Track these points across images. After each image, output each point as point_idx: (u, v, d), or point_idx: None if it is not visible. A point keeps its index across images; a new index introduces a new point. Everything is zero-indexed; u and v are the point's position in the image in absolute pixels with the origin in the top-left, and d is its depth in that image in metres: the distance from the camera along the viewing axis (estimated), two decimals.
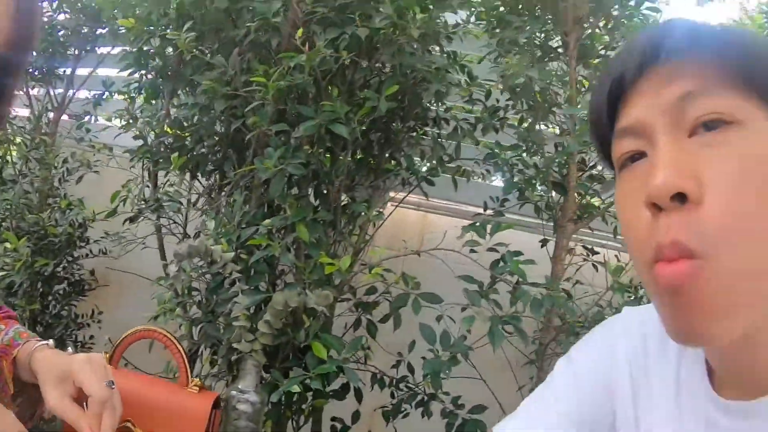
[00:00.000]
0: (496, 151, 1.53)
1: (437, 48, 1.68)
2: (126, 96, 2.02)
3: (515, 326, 1.25)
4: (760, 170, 0.56)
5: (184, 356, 1.06)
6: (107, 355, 1.08)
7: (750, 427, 0.63)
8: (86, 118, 2.58)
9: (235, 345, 1.15)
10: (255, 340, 1.13)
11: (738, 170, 0.56)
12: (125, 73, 1.93)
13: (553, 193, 1.56)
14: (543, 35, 1.62)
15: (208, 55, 1.60)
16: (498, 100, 1.74)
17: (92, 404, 0.82)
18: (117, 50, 2.46)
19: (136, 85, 1.95)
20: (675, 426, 0.72)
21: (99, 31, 2.57)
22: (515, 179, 1.51)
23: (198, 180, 1.86)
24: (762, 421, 0.62)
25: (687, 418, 0.70)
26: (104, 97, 2.53)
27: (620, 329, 0.83)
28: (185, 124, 1.75)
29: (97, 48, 2.66)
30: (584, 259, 1.71)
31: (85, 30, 2.55)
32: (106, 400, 0.83)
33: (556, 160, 1.49)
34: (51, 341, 0.89)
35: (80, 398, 0.84)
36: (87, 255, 2.56)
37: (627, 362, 0.80)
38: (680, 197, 0.55)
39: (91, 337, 2.54)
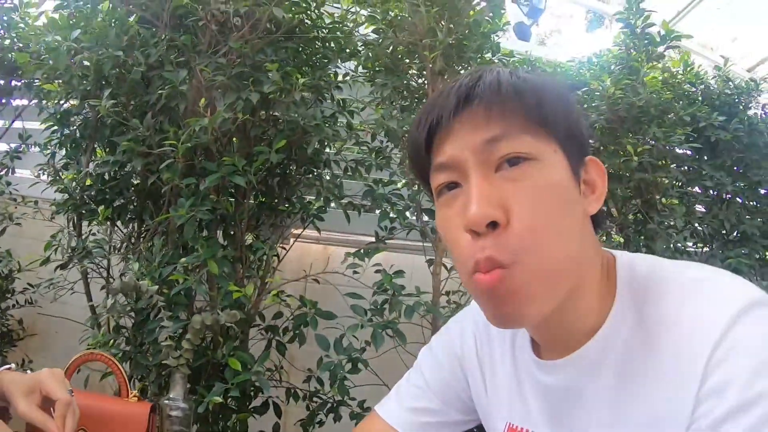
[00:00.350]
0: (373, 187, 1.81)
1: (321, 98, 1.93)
2: (46, 151, 2.15)
3: (393, 329, 1.53)
4: (551, 195, 0.70)
5: (124, 373, 1.27)
6: None
7: (559, 378, 0.78)
8: (2, 171, 2.56)
9: (164, 361, 1.36)
10: (180, 356, 1.35)
11: (534, 197, 0.68)
12: (39, 124, 2.06)
13: (426, 218, 1.84)
14: (411, 86, 1.91)
15: (125, 116, 1.79)
16: (382, 141, 1.98)
17: (58, 407, 0.96)
18: (33, 103, 2.41)
19: (56, 141, 2.10)
20: (513, 382, 0.88)
21: (14, 83, 2.52)
22: (394, 209, 1.78)
23: (118, 227, 2.04)
24: (565, 373, 0.77)
25: (520, 375, 0.86)
26: (21, 149, 2.53)
27: (469, 317, 0.99)
28: (106, 178, 1.93)
29: (12, 100, 2.62)
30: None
31: (1, 83, 2.53)
32: (70, 402, 0.98)
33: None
34: (13, 365, 1.05)
35: (45, 408, 0.99)
36: (14, 305, 2.64)
37: (473, 340, 0.97)
38: (492, 224, 0.67)
39: None
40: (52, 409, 0.98)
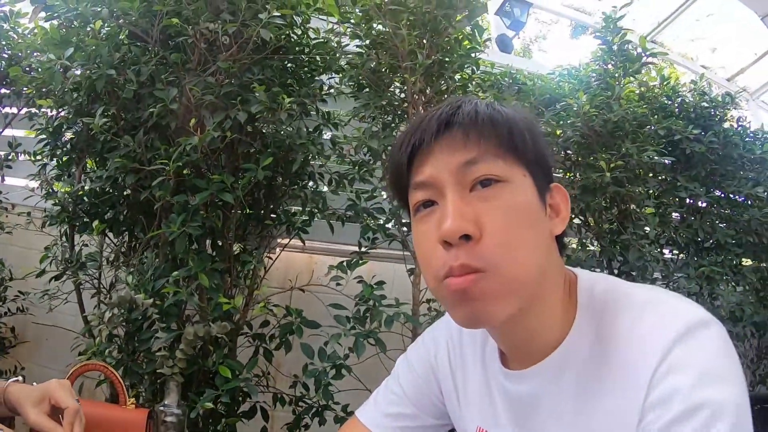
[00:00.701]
0: (355, 201, 1.89)
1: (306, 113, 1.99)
2: (36, 161, 2.18)
3: (374, 338, 1.60)
4: (520, 214, 0.76)
5: (122, 382, 1.33)
6: None
7: (524, 387, 0.84)
8: None
9: (159, 370, 1.43)
10: (174, 365, 1.42)
11: (505, 215, 0.75)
12: (27, 133, 2.10)
13: (405, 229, 1.92)
14: (393, 102, 1.99)
15: (117, 132, 1.84)
16: (365, 154, 2.05)
17: (67, 415, 1.04)
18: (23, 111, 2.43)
19: (48, 152, 2.13)
20: (483, 388, 0.93)
21: (3, 90, 2.54)
22: (375, 223, 1.86)
23: (110, 240, 2.09)
24: (529, 382, 0.83)
25: (490, 383, 0.92)
26: (10, 157, 2.49)
27: (443, 327, 1.06)
28: (98, 191, 1.99)
29: (1, 108, 2.62)
30: None
31: None
32: (78, 410, 1.05)
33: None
34: (21, 377, 1.12)
35: (53, 417, 1.06)
36: (6, 313, 2.68)
37: (446, 349, 1.03)
38: (466, 237, 0.73)
39: None
40: (60, 416, 1.05)
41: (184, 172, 1.68)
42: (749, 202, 3.13)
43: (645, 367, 0.71)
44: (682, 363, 0.69)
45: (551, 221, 0.82)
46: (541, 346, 0.82)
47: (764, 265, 3.16)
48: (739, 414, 0.66)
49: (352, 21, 2.02)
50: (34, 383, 1.12)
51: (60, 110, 2.05)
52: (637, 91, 2.85)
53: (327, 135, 2.15)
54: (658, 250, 2.68)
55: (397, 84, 2.09)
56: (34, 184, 2.23)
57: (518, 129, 0.80)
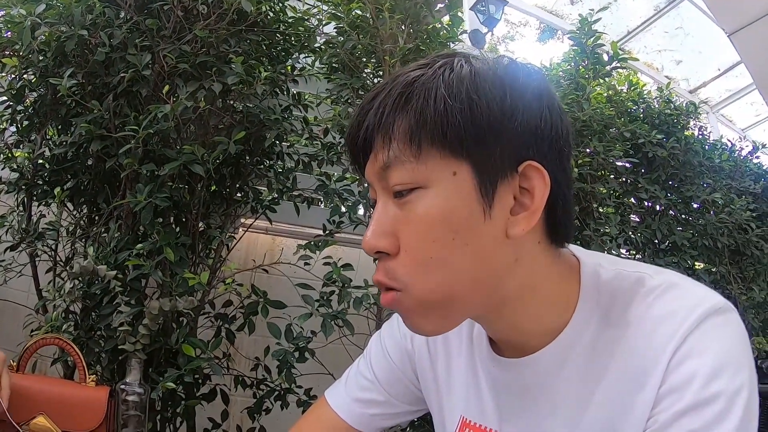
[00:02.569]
0: (325, 182, 1.87)
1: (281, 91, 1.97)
2: None
3: (342, 320, 1.59)
4: (436, 226, 0.67)
5: (82, 357, 1.29)
6: (14, 363, 1.27)
7: (517, 376, 0.79)
8: None
9: (121, 347, 1.38)
10: (137, 341, 1.38)
11: (418, 230, 0.68)
12: None
13: None
14: (366, 85, 1.98)
15: (84, 97, 1.77)
16: (334, 137, 2.03)
17: None
18: None
19: (8, 116, 2.03)
20: (469, 375, 0.89)
21: None
22: (344, 205, 1.85)
23: (68, 210, 2.02)
24: (525, 371, 0.78)
25: (477, 370, 0.88)
26: None
27: None
28: (60, 158, 1.91)
29: None
30: None
31: None
32: (5, 359, 1.07)
33: None
34: None
35: None
36: None
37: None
38: (384, 252, 0.69)
39: None
40: None
41: (153, 142, 1.63)
42: (705, 208, 3.25)
43: (661, 353, 0.68)
44: (699, 349, 0.66)
45: (511, 218, 0.69)
46: (531, 336, 0.77)
47: (716, 270, 3.28)
48: (751, 400, 0.65)
49: (332, 2, 2.00)
50: None
51: (24, 72, 1.96)
52: (605, 94, 2.91)
53: (294, 116, 2.12)
54: (617, 248, 2.74)
55: (371, 69, 2.08)
56: None
57: (437, 114, 0.66)
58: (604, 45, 2.64)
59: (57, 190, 1.74)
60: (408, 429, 1.96)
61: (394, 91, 0.68)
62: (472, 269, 0.69)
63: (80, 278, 1.54)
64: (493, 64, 0.71)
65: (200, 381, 1.74)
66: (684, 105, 3.37)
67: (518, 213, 0.69)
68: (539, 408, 0.78)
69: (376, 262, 0.72)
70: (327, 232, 1.88)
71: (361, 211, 1.94)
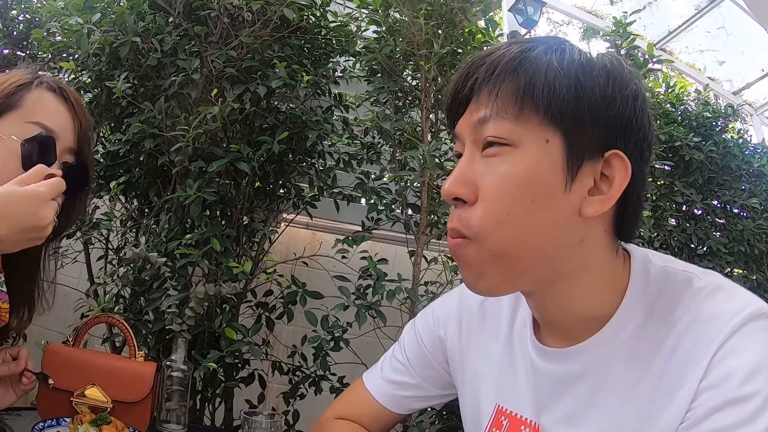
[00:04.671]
0: (364, 180, 1.96)
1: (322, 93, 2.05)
2: None
3: (376, 310, 1.67)
4: (516, 186, 0.71)
5: (132, 335, 1.40)
6: (71, 339, 1.40)
7: (560, 366, 0.81)
8: None
9: (168, 327, 1.50)
10: (183, 323, 1.49)
11: (500, 184, 0.71)
12: None
13: (411, 212, 1.98)
14: (404, 87, 2.05)
15: (137, 99, 1.90)
16: (374, 137, 2.10)
17: (22, 354, 1.19)
18: None
19: None
20: (506, 362, 0.91)
21: (18, 53, 2.53)
22: (381, 202, 1.93)
23: (121, 203, 2.15)
24: (568, 362, 0.80)
25: (515, 357, 0.90)
26: None
27: (455, 300, 1.05)
28: (114, 154, 2.04)
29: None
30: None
31: (6, 52, 2.52)
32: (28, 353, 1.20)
33: (413, 186, 1.93)
34: None
35: None
36: None
37: (458, 323, 1.02)
38: (461, 199, 0.74)
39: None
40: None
41: (201, 140, 1.73)
42: (743, 213, 3.20)
43: (704, 350, 0.70)
44: (740, 349, 0.68)
45: (587, 198, 0.73)
46: (580, 321, 0.79)
47: (754, 277, 3.23)
48: None
49: (371, 7, 2.07)
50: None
51: (80, 74, 2.09)
52: None
53: (336, 117, 2.20)
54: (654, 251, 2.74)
55: (409, 71, 2.15)
56: None
57: (545, 81, 0.70)
58: (639, 47, 2.64)
59: (113, 183, 1.86)
60: (436, 421, 2.02)
61: (508, 54, 0.73)
62: (542, 235, 0.72)
63: (132, 264, 1.66)
64: (601, 56, 0.75)
65: (239, 365, 1.84)
66: (722, 107, 3.33)
67: (594, 195, 0.73)
68: (579, 398, 0.80)
69: (455, 207, 0.75)
70: (365, 228, 1.96)
71: (397, 211, 2.01)
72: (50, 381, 1.24)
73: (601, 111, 0.71)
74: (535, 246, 0.72)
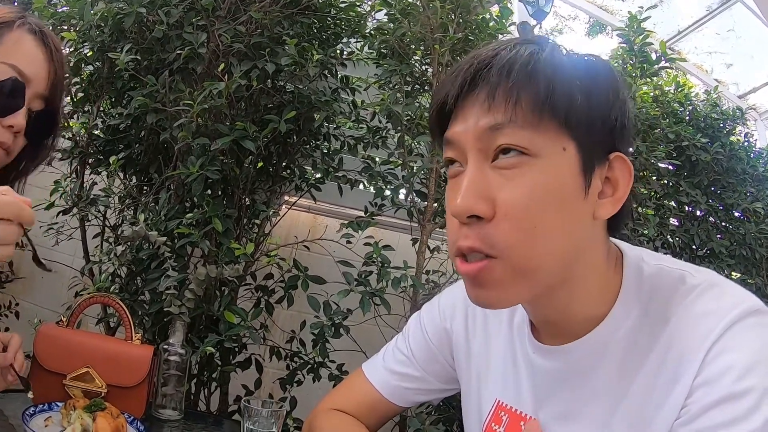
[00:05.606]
0: (371, 164, 1.91)
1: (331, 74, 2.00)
2: None
3: (380, 297, 1.63)
4: (543, 197, 0.68)
5: (130, 317, 1.35)
6: (65, 319, 1.34)
7: (556, 363, 0.81)
8: None
9: (167, 309, 1.45)
10: (182, 305, 1.44)
11: (524, 197, 0.68)
12: None
13: (417, 199, 1.94)
14: (414, 72, 2.00)
15: (140, 72, 1.85)
16: (380, 121, 2.04)
17: (13, 343, 1.12)
18: None
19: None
20: (508, 359, 0.91)
21: None
22: (386, 188, 1.89)
23: (120, 179, 2.10)
24: (564, 359, 0.80)
25: (516, 354, 0.90)
26: None
27: (462, 289, 0.96)
28: (114, 129, 1.98)
29: None
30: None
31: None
32: (21, 341, 1.13)
33: (421, 172, 1.89)
34: None
35: None
36: None
37: (464, 315, 1.01)
38: (477, 216, 0.69)
39: (7, 329, 2.59)
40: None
41: (205, 117, 1.68)
42: (746, 217, 3.18)
43: (698, 349, 0.70)
44: (734, 345, 0.68)
45: (598, 201, 0.73)
46: (574, 322, 0.79)
47: (753, 281, 3.22)
48: None
49: None
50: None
51: (82, 46, 2.03)
52: (651, 94, 2.87)
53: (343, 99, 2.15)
54: (654, 251, 2.71)
55: (417, 57, 2.10)
56: None
57: (564, 88, 0.68)
58: (652, 44, 2.60)
59: (113, 158, 1.81)
60: (433, 412, 1.99)
61: (519, 56, 0.70)
62: (567, 242, 0.71)
63: (130, 243, 1.61)
64: (596, 58, 0.75)
65: (237, 349, 1.80)
66: (731, 110, 3.30)
67: (603, 198, 0.73)
68: (576, 395, 0.80)
69: (465, 226, 0.70)
70: (368, 213, 1.92)
71: (401, 196, 1.97)
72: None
73: (607, 115, 0.72)
74: (559, 254, 0.71)
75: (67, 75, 1.98)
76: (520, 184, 0.68)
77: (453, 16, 1.93)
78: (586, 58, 0.74)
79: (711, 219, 3.14)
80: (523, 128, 0.68)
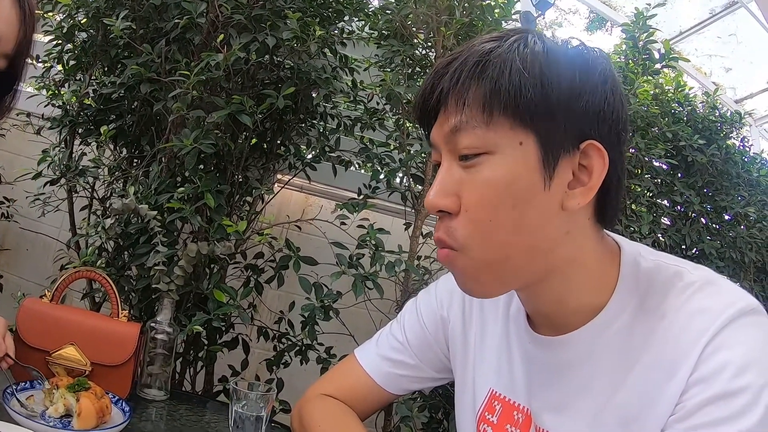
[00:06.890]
0: (368, 146, 1.87)
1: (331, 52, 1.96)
2: (44, 63, 2.10)
3: (373, 281, 1.60)
4: (497, 192, 0.71)
5: (116, 293, 1.31)
6: (49, 293, 1.30)
7: (552, 354, 0.82)
8: None
9: (155, 286, 1.41)
10: (171, 282, 1.40)
11: (482, 192, 0.71)
12: (42, 36, 2.03)
13: (413, 183, 1.91)
14: (417, 55, 1.96)
15: (135, 40, 1.79)
16: (378, 103, 2.02)
17: None
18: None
19: (54, 54, 2.04)
20: (503, 348, 0.92)
21: None
22: (383, 170, 1.85)
23: (110, 150, 2.04)
24: (560, 350, 0.81)
25: (511, 344, 0.91)
26: None
27: None
28: (106, 98, 1.92)
29: None
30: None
31: None
32: (6, 324, 1.10)
33: (418, 156, 1.86)
34: None
35: None
36: None
37: (461, 302, 1.01)
38: (445, 210, 0.74)
39: None
40: None
41: (201, 89, 1.64)
42: (737, 220, 3.19)
43: (694, 343, 0.70)
44: (730, 343, 0.69)
45: (568, 192, 0.73)
46: (571, 314, 0.80)
47: (740, 283, 3.23)
48: None
49: None
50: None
51: (76, 12, 1.97)
52: (652, 92, 2.86)
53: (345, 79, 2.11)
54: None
55: (420, 40, 2.06)
56: (30, 89, 2.16)
57: (511, 85, 0.69)
58: (656, 42, 2.59)
59: (103, 128, 1.76)
60: (419, 398, 1.98)
61: (470, 59, 0.71)
62: (528, 236, 0.72)
63: (119, 216, 1.57)
64: (564, 45, 0.74)
65: (224, 329, 1.77)
66: (729, 113, 3.30)
67: (575, 188, 0.73)
68: (569, 387, 0.81)
69: (439, 218, 0.75)
70: (362, 196, 1.89)
71: (397, 180, 1.94)
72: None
73: (571, 104, 0.70)
74: (522, 247, 0.73)
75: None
76: (477, 180, 0.71)
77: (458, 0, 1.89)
78: (552, 46, 0.73)
79: (703, 220, 3.14)
80: (476, 128, 0.71)
